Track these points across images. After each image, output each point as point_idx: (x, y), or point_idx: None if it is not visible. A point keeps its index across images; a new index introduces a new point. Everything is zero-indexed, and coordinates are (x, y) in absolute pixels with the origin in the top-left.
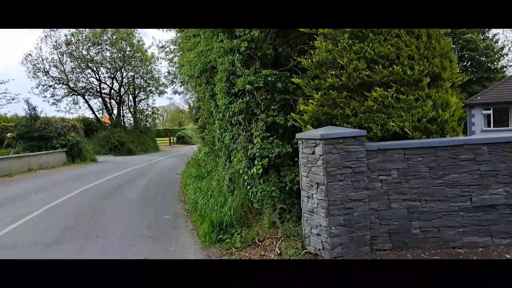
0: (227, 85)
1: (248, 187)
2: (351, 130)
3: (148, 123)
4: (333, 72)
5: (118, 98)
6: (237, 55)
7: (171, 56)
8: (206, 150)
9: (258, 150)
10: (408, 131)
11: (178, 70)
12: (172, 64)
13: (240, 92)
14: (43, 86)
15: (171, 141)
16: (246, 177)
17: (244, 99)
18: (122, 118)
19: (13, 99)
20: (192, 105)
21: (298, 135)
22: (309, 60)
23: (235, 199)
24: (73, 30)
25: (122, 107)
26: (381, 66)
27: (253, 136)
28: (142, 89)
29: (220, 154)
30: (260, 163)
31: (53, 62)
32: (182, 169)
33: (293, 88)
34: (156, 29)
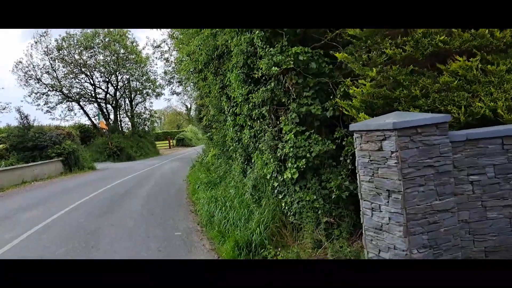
0: (244, 71)
1: (280, 196)
2: (431, 115)
3: (146, 127)
4: (392, 41)
5: (114, 102)
6: (257, 32)
7: (167, 55)
8: (215, 152)
9: (291, 149)
10: (502, 112)
11: (175, 68)
12: (168, 63)
13: (262, 78)
14: (36, 94)
15: (171, 144)
16: (276, 184)
17: (268, 86)
18: (119, 123)
19: (4, 108)
20: (189, 106)
21: (353, 126)
22: (357, 29)
23: (264, 212)
24: (64, 34)
25: (119, 112)
26: (460, 29)
27: (283, 132)
28: (138, 92)
29: (235, 156)
30: (295, 166)
31: (44, 68)
32: (187, 173)
33: (329, 69)
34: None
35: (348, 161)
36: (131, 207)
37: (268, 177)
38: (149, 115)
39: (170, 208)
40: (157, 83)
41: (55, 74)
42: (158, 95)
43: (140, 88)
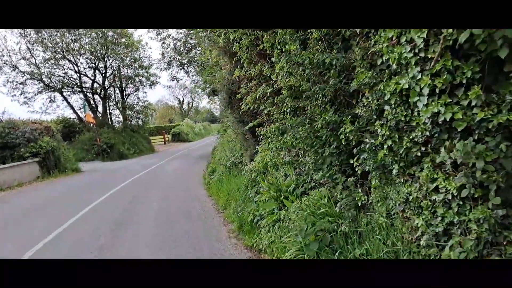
0: None
1: None
2: None
3: (140, 120)
4: None
5: (102, 92)
6: None
7: (164, 34)
8: (280, 156)
9: None
10: None
11: (175, 49)
12: (165, 45)
13: None
14: (12, 82)
15: (166, 139)
16: None
17: None
18: (109, 116)
19: None
20: (182, 99)
21: None
22: None
23: None
24: None
25: (108, 103)
26: None
27: None
28: (130, 81)
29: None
30: None
31: (20, 53)
32: (200, 180)
33: None
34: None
35: None
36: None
37: None
38: (142, 107)
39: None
40: (154, 67)
41: (33, 60)
42: (153, 84)
43: (132, 76)
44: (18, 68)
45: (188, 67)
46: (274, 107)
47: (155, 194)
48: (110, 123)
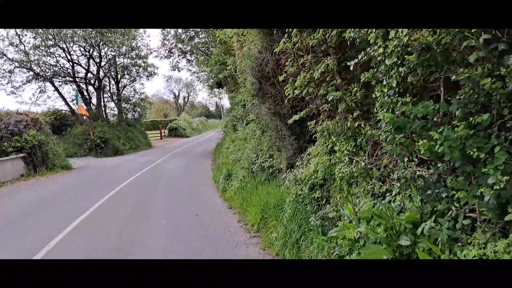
0: None
1: None
2: None
3: (137, 113)
4: None
5: (96, 83)
6: None
7: None
8: (399, 171)
9: None
10: None
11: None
12: (166, 31)
13: None
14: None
15: (162, 134)
16: None
17: None
18: (103, 108)
19: None
20: (178, 93)
21: None
22: None
23: None
24: None
25: (103, 95)
26: None
27: None
28: (126, 71)
29: None
30: None
31: (8, 39)
32: (211, 183)
33: None
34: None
35: None
36: None
37: None
38: (139, 100)
39: None
40: (153, 55)
41: (22, 47)
42: (151, 75)
43: (129, 66)
44: (5, 56)
45: (191, 55)
46: (355, 88)
47: (160, 204)
48: (104, 116)
